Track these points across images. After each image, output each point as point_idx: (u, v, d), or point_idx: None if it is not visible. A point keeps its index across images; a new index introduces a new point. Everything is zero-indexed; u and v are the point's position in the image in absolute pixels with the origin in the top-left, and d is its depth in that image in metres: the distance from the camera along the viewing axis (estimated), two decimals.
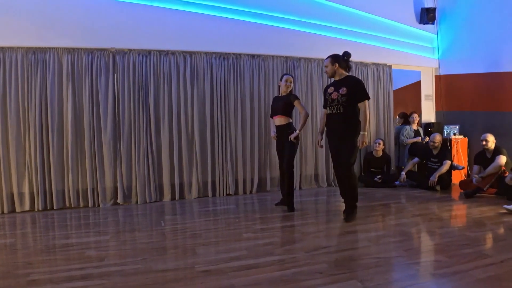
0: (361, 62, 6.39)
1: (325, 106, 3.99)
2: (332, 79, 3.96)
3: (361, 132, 3.71)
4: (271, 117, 4.48)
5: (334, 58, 3.88)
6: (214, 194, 5.46)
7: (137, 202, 5.09)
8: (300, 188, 5.92)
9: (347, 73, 3.91)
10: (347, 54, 3.92)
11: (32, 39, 4.71)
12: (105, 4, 4.95)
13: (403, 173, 5.84)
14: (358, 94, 3.73)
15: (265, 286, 2.22)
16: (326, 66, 3.92)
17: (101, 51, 4.98)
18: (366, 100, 3.75)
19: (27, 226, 4.07)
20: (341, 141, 3.79)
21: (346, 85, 3.76)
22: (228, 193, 5.53)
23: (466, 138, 6.36)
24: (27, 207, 4.74)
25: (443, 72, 6.97)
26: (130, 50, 5.09)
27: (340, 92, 3.75)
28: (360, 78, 6.32)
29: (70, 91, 4.86)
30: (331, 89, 3.88)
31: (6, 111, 4.67)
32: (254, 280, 2.30)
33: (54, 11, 4.77)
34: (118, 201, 5.02)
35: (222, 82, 5.49)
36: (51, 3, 4.76)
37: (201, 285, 2.26)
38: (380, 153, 6.06)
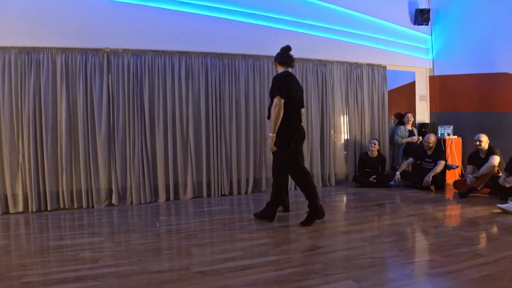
0: (355, 63, 6.42)
1: None
2: None
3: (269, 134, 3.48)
4: (268, 118, 4.32)
5: (275, 56, 3.70)
6: (209, 195, 5.45)
7: (132, 203, 5.07)
8: (295, 188, 5.92)
9: (285, 70, 3.64)
10: (284, 48, 3.68)
11: (25, 39, 4.68)
12: (99, 4, 4.92)
13: (398, 173, 5.87)
14: (271, 91, 3.55)
15: (261, 287, 2.22)
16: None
17: (96, 51, 4.96)
18: (278, 97, 3.43)
19: (21, 227, 4.04)
20: None
21: None
22: (223, 193, 5.53)
23: (460, 139, 6.40)
24: (20, 208, 4.70)
25: (437, 72, 7.01)
26: (124, 50, 5.07)
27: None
28: (354, 78, 6.37)
29: (64, 91, 4.83)
30: None
31: None
32: (249, 281, 2.30)
33: (48, 10, 4.73)
34: (113, 202, 5.00)
35: (217, 82, 5.49)
36: (45, 3, 4.72)
37: (196, 286, 2.25)
38: (375, 154, 6.08)
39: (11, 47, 4.65)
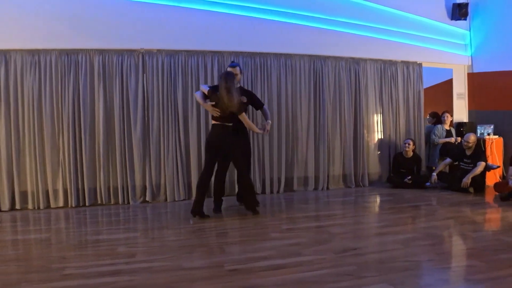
0: (390, 61, 6.25)
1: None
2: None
3: None
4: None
5: (240, 69, 4.30)
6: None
7: (166, 200, 5.17)
8: (327, 188, 5.85)
9: None
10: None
11: (65, 41, 4.87)
12: (134, 6, 5.05)
13: (434, 174, 5.67)
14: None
15: (293, 287, 2.21)
16: (237, 74, 4.19)
17: (131, 52, 5.09)
18: None
19: (61, 221, 4.22)
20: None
21: (245, 94, 4.22)
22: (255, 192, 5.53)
23: (501, 138, 6.11)
24: (61, 203, 4.91)
25: (476, 69, 6.72)
26: (158, 50, 5.18)
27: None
28: (389, 76, 6.23)
29: (101, 91, 4.99)
30: (244, 99, 4.15)
31: (41, 111, 4.85)
32: (282, 281, 2.29)
33: (85, 13, 4.90)
34: (147, 199, 5.12)
35: (249, 82, 5.50)
36: (82, 6, 4.89)
37: (229, 284, 2.27)
38: (410, 154, 5.90)
39: (52, 50, 4.86)
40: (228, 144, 3.99)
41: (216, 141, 3.99)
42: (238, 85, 4.29)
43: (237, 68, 4.26)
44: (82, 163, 4.94)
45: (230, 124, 3.99)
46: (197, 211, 4.00)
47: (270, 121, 4.33)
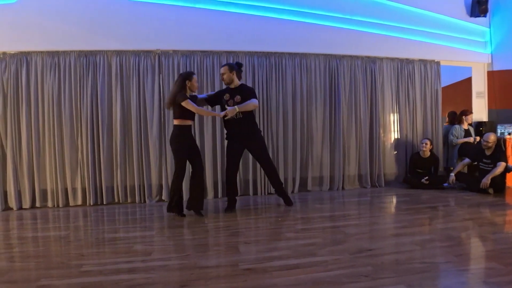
0: (407, 59, 6.17)
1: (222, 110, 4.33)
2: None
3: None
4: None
5: (231, 66, 4.32)
6: (255, 193, 5.49)
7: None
8: (343, 188, 5.81)
9: (240, 82, 4.39)
10: (240, 64, 4.43)
11: (83, 43, 4.98)
12: (150, 7, 5.12)
13: (453, 174, 5.56)
14: (253, 94, 4.30)
15: (308, 287, 2.20)
16: (223, 74, 4.30)
17: (147, 52, 5.16)
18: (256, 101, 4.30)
19: (79, 219, 4.30)
20: (255, 143, 4.40)
21: (240, 93, 4.25)
22: (269, 192, 5.54)
23: None
24: (79, 201, 5.02)
25: (496, 67, 6.56)
26: (174, 51, 5.23)
27: (235, 100, 4.22)
28: (405, 75, 6.15)
29: (119, 91, 5.07)
30: (227, 96, 4.30)
31: (61, 111, 4.96)
32: (297, 281, 2.29)
33: (103, 16, 5.00)
34: (163, 197, 5.18)
35: (264, 81, 5.51)
36: (100, 9, 4.99)
37: (244, 283, 2.28)
38: (428, 154, 5.81)
39: (71, 51, 4.96)
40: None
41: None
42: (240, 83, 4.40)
43: (224, 67, 4.34)
44: (100, 162, 5.04)
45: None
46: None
47: (237, 108, 4.16)
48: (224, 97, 4.33)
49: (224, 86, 4.50)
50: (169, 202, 4.20)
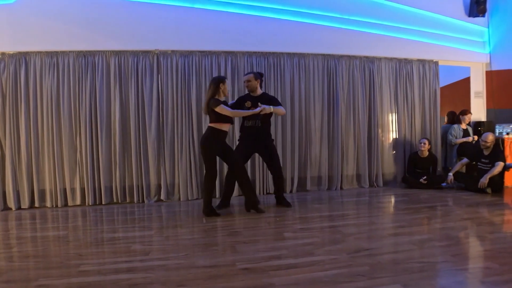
0: (405, 59, 6.18)
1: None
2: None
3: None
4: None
5: (256, 74, 4.41)
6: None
7: (179, 199, 5.23)
8: (341, 188, 5.82)
9: (262, 91, 4.53)
10: (262, 74, 4.53)
11: (82, 43, 4.98)
12: (149, 8, 5.13)
13: (451, 174, 5.58)
14: (277, 102, 4.43)
15: (305, 287, 2.21)
16: (249, 81, 4.38)
17: (146, 53, 5.16)
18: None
19: (78, 219, 4.30)
20: (266, 149, 4.49)
21: (263, 101, 4.27)
22: (268, 191, 5.55)
23: None
24: (78, 201, 5.02)
25: (495, 67, 6.58)
26: (173, 51, 5.24)
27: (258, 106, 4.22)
28: (404, 75, 6.15)
29: (117, 91, 5.08)
30: (248, 103, 4.33)
31: (59, 112, 4.97)
32: (294, 280, 2.30)
33: (102, 16, 5.01)
34: (162, 197, 5.19)
35: (262, 82, 5.50)
36: (98, 9, 5.00)
37: (241, 282, 2.29)
38: (426, 153, 5.82)
39: (70, 51, 4.97)
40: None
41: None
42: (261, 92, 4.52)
43: (250, 75, 4.44)
44: (99, 162, 5.04)
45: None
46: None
47: (272, 108, 4.24)
48: (246, 104, 4.37)
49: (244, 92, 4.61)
50: (204, 206, 4.17)
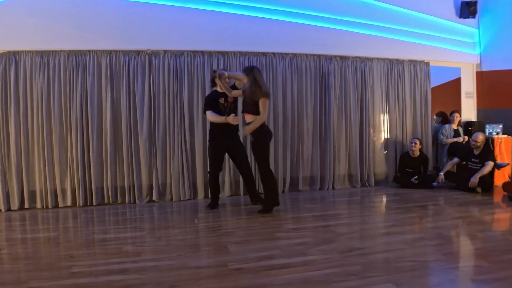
0: (397, 59, 6.22)
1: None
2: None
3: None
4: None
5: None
6: (246, 193, 5.48)
7: (171, 199, 5.21)
8: (333, 188, 5.84)
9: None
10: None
11: (73, 42, 4.92)
12: (141, 7, 5.08)
13: (442, 173, 5.63)
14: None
15: (298, 286, 2.21)
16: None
17: (138, 52, 5.13)
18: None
19: (69, 220, 4.27)
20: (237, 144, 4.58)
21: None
22: (260, 192, 5.54)
23: (510, 138, 6.04)
24: (69, 202, 4.97)
25: (485, 68, 6.65)
26: (165, 51, 5.21)
27: (229, 100, 4.41)
28: (395, 75, 6.20)
29: (109, 91, 5.04)
30: (222, 100, 4.39)
31: (50, 111, 4.91)
32: (286, 280, 2.30)
33: (93, 15, 4.95)
34: (154, 198, 5.15)
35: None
36: (89, 8, 4.94)
37: (233, 283, 2.28)
38: (417, 153, 5.87)
39: (61, 50, 4.92)
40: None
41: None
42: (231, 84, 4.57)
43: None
44: (90, 163, 5.00)
45: None
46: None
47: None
48: (220, 100, 4.40)
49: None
50: (273, 203, 4.24)
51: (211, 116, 4.34)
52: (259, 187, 4.96)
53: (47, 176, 4.89)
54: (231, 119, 4.26)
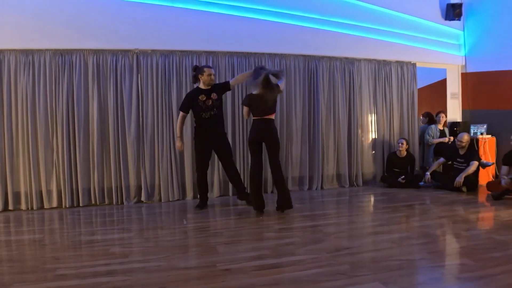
0: (384, 61, 6.29)
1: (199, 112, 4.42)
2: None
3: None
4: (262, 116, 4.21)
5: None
6: (235, 193, 5.46)
7: (160, 200, 5.17)
8: (322, 188, 5.88)
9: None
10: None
11: (59, 41, 4.86)
12: (128, 6, 5.04)
13: (428, 173, 5.71)
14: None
15: (286, 286, 2.22)
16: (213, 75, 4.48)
17: (125, 52, 5.08)
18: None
19: (55, 222, 4.20)
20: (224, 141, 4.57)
21: (214, 90, 4.45)
22: (248, 192, 5.53)
23: (494, 138, 6.16)
24: (55, 203, 4.90)
25: (470, 69, 6.77)
26: (153, 50, 5.17)
27: (212, 97, 4.40)
28: (383, 76, 6.26)
29: (96, 91, 4.98)
30: (203, 97, 4.38)
31: (35, 111, 4.83)
32: (275, 280, 2.30)
33: (79, 13, 4.89)
34: (142, 199, 5.12)
35: (243, 82, 5.50)
36: (76, 7, 4.88)
37: (222, 283, 2.28)
38: (404, 153, 5.94)
39: (46, 50, 4.84)
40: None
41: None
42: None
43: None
44: (76, 163, 4.93)
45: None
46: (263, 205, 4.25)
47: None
48: (200, 97, 4.39)
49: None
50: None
51: (178, 120, 4.47)
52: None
53: (32, 177, 4.81)
54: (179, 144, 4.48)
